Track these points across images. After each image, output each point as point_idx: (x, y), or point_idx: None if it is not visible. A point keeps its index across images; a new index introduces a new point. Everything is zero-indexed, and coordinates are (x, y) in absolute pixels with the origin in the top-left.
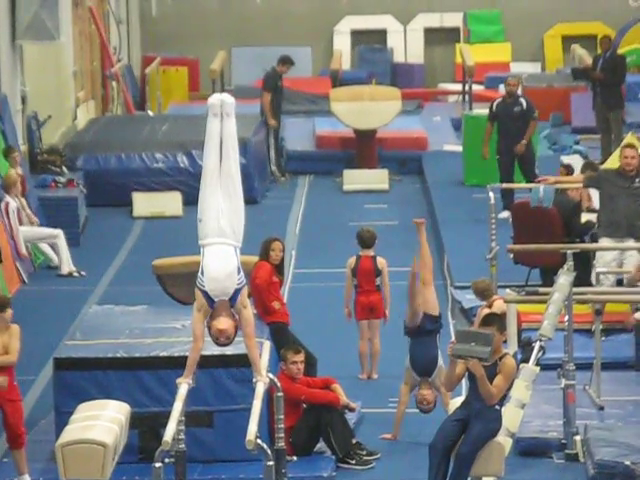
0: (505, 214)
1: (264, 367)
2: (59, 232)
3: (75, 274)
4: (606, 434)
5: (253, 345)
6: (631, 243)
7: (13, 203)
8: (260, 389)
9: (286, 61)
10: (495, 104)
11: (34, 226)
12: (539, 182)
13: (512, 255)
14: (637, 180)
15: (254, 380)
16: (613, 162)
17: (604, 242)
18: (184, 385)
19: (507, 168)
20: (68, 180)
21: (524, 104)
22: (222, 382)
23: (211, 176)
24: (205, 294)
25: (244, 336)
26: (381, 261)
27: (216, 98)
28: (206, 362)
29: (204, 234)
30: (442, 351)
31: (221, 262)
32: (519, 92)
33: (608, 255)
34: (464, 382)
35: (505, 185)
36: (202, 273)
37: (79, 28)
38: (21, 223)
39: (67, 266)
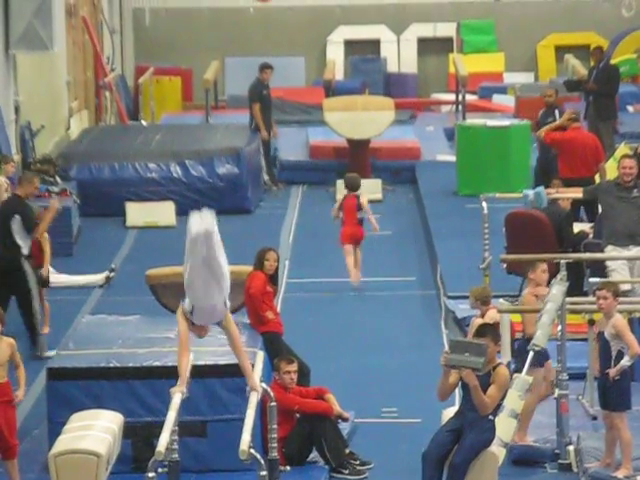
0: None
1: (257, 377)
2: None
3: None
4: (599, 444)
5: (244, 357)
6: (634, 252)
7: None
8: (253, 399)
9: (265, 67)
10: (540, 113)
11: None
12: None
13: (505, 265)
14: (635, 190)
15: (247, 389)
16: (611, 172)
17: (609, 250)
18: (178, 394)
19: (537, 176)
20: (61, 190)
21: (557, 115)
22: (216, 392)
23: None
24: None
25: (234, 349)
26: (363, 198)
27: (198, 230)
28: (200, 372)
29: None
30: None
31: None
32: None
33: (623, 264)
34: (457, 391)
35: (498, 195)
36: (191, 313)
37: (73, 38)
38: None
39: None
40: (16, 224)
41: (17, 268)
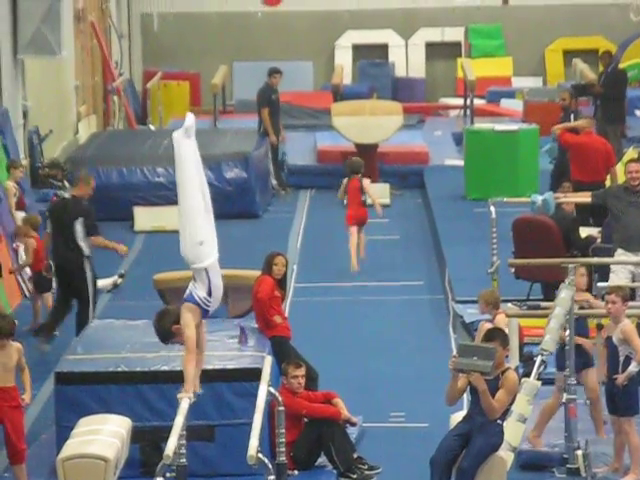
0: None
1: (189, 382)
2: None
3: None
4: (608, 449)
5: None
6: None
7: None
8: (261, 403)
9: (274, 72)
10: (561, 118)
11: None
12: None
13: (513, 270)
14: None
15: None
16: (619, 177)
17: (619, 254)
18: (186, 400)
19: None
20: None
21: (572, 119)
22: (223, 396)
23: (199, 200)
24: (205, 311)
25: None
26: (365, 181)
27: (192, 119)
28: (207, 376)
29: (206, 255)
30: None
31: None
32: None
33: (623, 268)
34: (466, 396)
35: (507, 199)
36: (209, 294)
37: (81, 43)
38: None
39: None
40: (79, 226)
41: (79, 268)
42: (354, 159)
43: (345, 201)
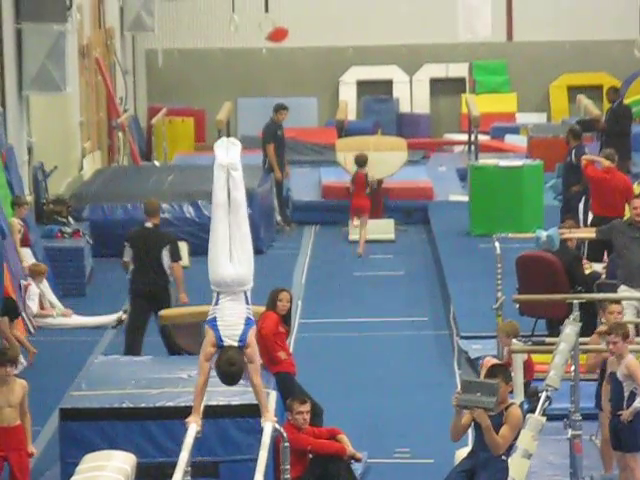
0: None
1: (272, 408)
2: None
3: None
4: None
5: (258, 383)
6: None
7: (35, 289)
8: (266, 439)
9: (281, 108)
10: (574, 152)
11: (66, 315)
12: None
13: (518, 306)
14: None
15: (262, 420)
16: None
17: (622, 290)
18: (192, 426)
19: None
20: (74, 230)
21: (573, 156)
22: (228, 432)
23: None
24: (218, 338)
25: (249, 374)
26: (371, 175)
27: (223, 158)
28: (212, 412)
29: (215, 282)
30: None
31: (234, 314)
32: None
33: (629, 304)
34: (471, 431)
35: (511, 235)
36: (215, 320)
37: (85, 79)
38: (43, 309)
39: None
40: (166, 253)
41: (167, 293)
42: (361, 154)
43: (352, 191)
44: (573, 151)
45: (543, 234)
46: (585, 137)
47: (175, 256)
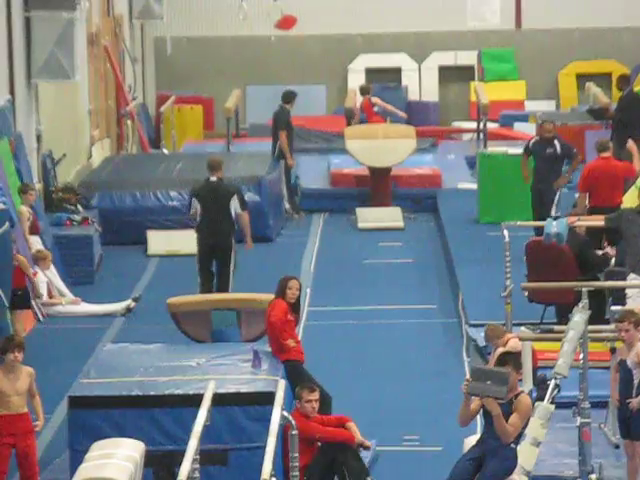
0: None
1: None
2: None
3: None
4: (621, 473)
5: None
6: None
7: (42, 276)
8: (275, 427)
9: (291, 96)
10: (532, 142)
11: (75, 303)
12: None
13: (527, 293)
14: None
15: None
16: (632, 200)
17: (632, 278)
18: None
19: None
20: (83, 218)
21: (557, 146)
22: (237, 420)
23: None
24: None
25: None
26: (374, 98)
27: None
28: (221, 400)
29: None
30: None
31: None
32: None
33: (636, 292)
34: (479, 419)
35: (520, 223)
36: None
37: (94, 67)
38: (51, 297)
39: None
40: (234, 202)
41: (230, 241)
42: (363, 84)
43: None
44: (556, 141)
45: (552, 229)
46: (595, 125)
47: (243, 205)
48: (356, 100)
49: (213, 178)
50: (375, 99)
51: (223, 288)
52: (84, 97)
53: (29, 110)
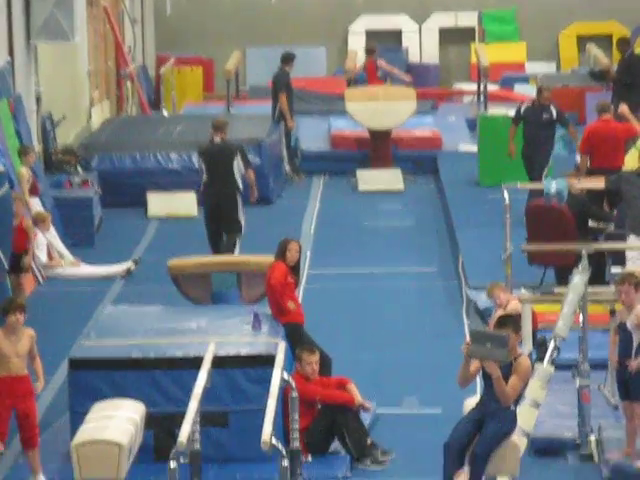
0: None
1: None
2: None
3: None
4: (620, 434)
5: None
6: None
7: (42, 238)
8: (275, 389)
9: (290, 57)
10: (523, 108)
11: (75, 265)
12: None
13: (527, 255)
14: None
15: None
16: (632, 162)
17: (632, 240)
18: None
19: (536, 173)
20: (83, 180)
21: (553, 112)
22: (237, 382)
23: None
24: None
25: None
26: (380, 61)
27: None
28: (221, 362)
29: None
30: None
31: None
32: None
33: (636, 254)
34: (479, 380)
35: (520, 185)
36: None
37: (94, 28)
38: (51, 259)
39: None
40: (237, 161)
41: (235, 201)
42: (369, 44)
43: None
44: (552, 107)
45: (552, 187)
46: (595, 87)
47: (247, 163)
48: (356, 61)
49: (217, 139)
50: (381, 62)
51: (229, 250)
52: (83, 58)
53: (28, 71)
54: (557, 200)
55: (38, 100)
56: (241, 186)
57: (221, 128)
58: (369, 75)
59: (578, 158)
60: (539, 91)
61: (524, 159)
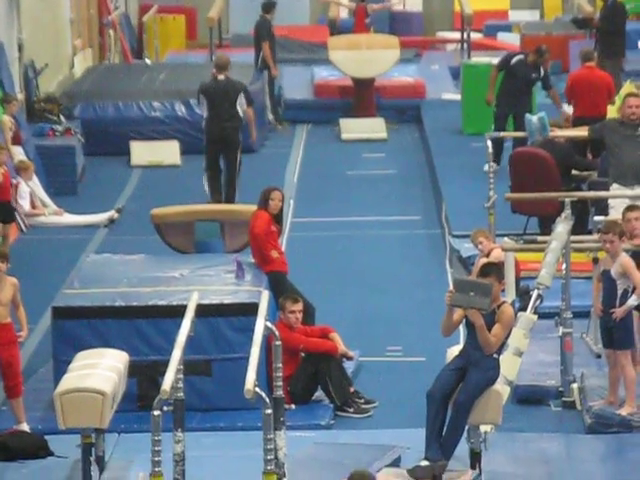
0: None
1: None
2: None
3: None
4: (603, 382)
5: None
6: (637, 191)
7: (25, 187)
8: (260, 328)
9: (271, 5)
10: (515, 60)
11: (58, 214)
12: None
13: (510, 204)
14: None
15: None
16: (615, 111)
17: (614, 188)
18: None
19: (502, 123)
20: (65, 129)
21: (542, 73)
22: (220, 331)
23: None
24: None
25: None
26: (369, 6)
27: None
28: (205, 311)
29: None
30: None
31: None
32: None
33: (622, 203)
34: (462, 329)
35: (503, 133)
36: None
37: None
38: (34, 208)
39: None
40: (241, 98)
41: (236, 135)
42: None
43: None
44: (542, 67)
45: (534, 117)
46: (579, 35)
47: (249, 100)
48: (339, 10)
49: (221, 77)
50: (371, 6)
51: (229, 182)
52: (66, 6)
53: (10, 19)
54: (541, 135)
55: (20, 48)
56: (242, 122)
57: (224, 67)
58: (357, 21)
59: (566, 108)
60: (540, 52)
61: (498, 108)
